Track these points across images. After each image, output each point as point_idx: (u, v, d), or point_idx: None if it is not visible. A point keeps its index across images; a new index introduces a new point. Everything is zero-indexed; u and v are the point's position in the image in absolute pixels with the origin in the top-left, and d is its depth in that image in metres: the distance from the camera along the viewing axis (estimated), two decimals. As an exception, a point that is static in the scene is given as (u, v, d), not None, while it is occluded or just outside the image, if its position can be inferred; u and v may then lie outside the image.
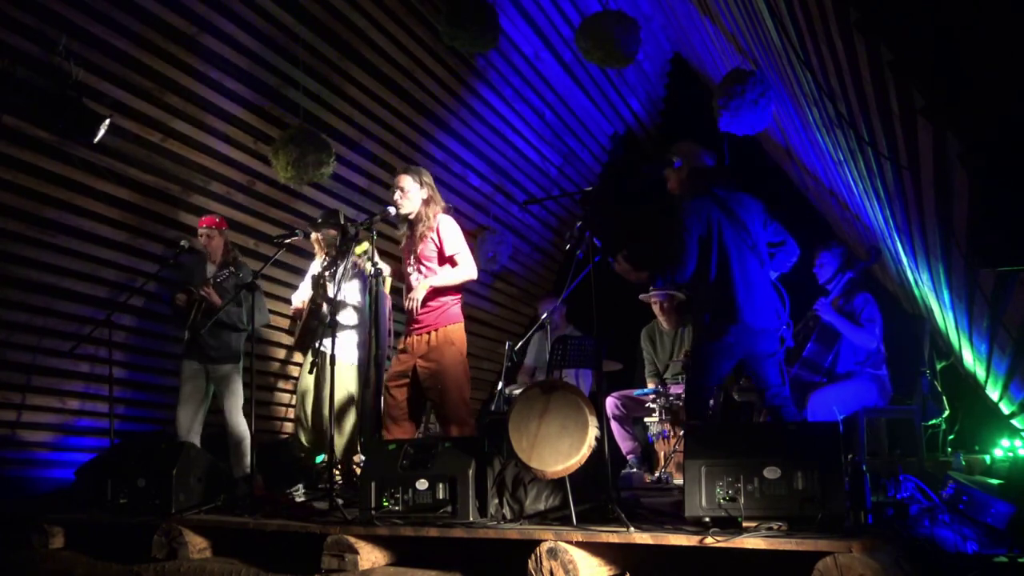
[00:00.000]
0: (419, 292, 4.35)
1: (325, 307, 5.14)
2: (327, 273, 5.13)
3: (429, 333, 4.38)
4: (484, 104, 7.20)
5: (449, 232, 4.44)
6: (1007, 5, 2.68)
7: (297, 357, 6.86)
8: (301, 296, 5.46)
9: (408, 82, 6.60)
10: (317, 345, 5.05)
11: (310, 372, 4.94)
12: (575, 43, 5.90)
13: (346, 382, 5.08)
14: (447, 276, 4.42)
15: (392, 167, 6.60)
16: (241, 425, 5.38)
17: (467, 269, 4.43)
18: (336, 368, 4.22)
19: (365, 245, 4.57)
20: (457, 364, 4.41)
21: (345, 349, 5.05)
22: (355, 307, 5.21)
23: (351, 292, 5.19)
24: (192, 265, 5.66)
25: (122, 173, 5.56)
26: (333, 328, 4.24)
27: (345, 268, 4.53)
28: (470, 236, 7.74)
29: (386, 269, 4.67)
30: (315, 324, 5.16)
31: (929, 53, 2.96)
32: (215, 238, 5.51)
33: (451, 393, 4.37)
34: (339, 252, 4.79)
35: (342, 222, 5.39)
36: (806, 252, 4.98)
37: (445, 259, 4.44)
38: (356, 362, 5.19)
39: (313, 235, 5.37)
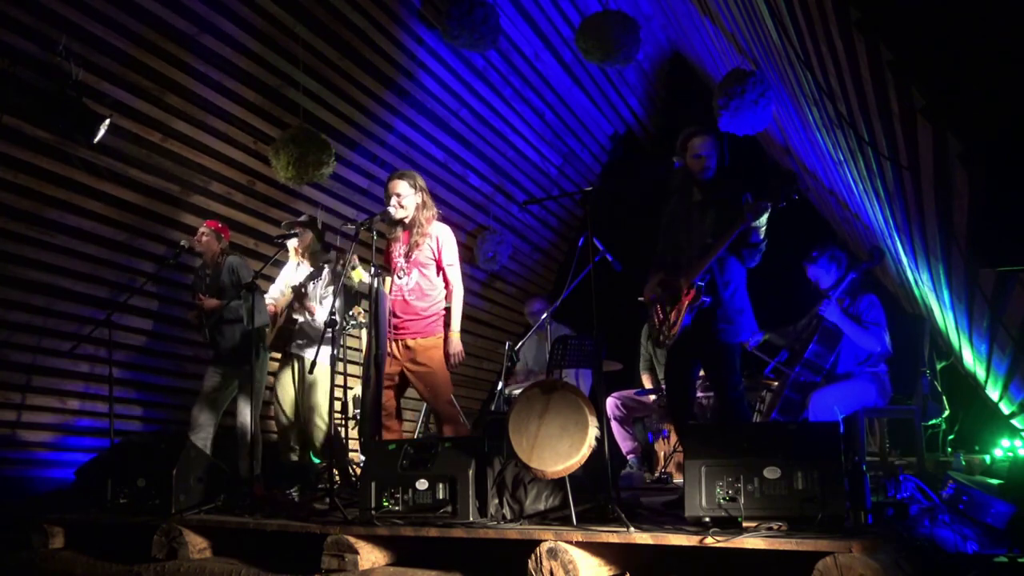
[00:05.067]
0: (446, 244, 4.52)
1: (300, 318, 5.35)
2: (310, 284, 5.26)
3: (416, 339, 4.51)
4: (484, 104, 7.19)
5: (449, 244, 4.60)
6: (1007, 5, 2.68)
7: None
8: (274, 296, 5.59)
9: (408, 82, 6.60)
10: (290, 350, 5.20)
11: (309, 372, 4.98)
12: (575, 43, 5.90)
13: (325, 384, 5.19)
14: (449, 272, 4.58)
15: (392, 167, 6.59)
16: (247, 424, 5.39)
17: (459, 282, 4.61)
18: (318, 371, 4.23)
19: (361, 274, 4.65)
20: (445, 367, 4.56)
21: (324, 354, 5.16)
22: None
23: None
24: (196, 267, 5.73)
25: (122, 173, 5.55)
26: (334, 338, 4.34)
27: (336, 286, 4.63)
28: (470, 236, 7.80)
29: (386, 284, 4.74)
30: (291, 328, 5.33)
31: (929, 53, 2.97)
32: (209, 240, 5.55)
33: (442, 394, 4.54)
34: (332, 261, 4.89)
35: (319, 227, 5.49)
36: (805, 253, 4.98)
37: (441, 268, 4.59)
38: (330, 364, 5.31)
39: (291, 242, 5.44)
